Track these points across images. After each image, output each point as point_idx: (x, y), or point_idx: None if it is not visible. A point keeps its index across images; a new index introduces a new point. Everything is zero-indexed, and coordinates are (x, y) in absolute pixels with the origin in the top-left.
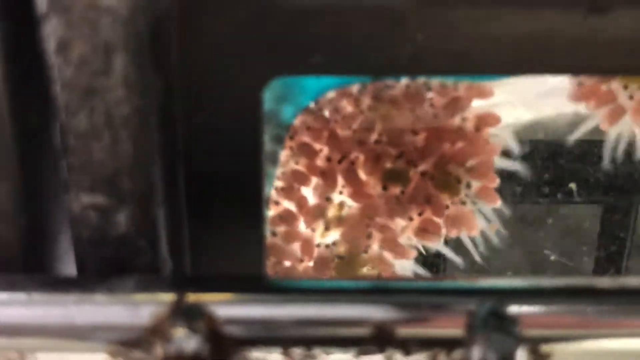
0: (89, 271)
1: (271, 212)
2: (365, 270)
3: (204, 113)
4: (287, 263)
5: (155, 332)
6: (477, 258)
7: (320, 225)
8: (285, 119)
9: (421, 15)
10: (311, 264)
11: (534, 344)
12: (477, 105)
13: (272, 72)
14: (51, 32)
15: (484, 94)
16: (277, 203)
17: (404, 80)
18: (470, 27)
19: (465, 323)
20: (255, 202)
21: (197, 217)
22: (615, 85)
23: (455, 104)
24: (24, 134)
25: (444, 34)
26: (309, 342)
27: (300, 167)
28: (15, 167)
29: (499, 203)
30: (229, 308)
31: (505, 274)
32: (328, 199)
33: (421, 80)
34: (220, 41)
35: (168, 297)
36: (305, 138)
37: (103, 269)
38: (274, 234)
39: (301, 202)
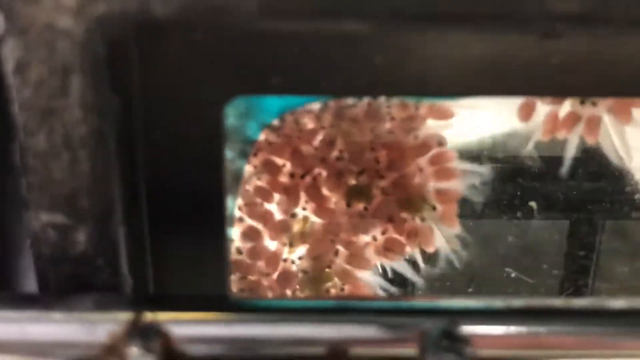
0: (49, 288)
1: (236, 229)
2: (329, 284)
3: (165, 132)
4: (253, 278)
5: (111, 351)
6: (436, 275)
7: (285, 241)
8: (249, 135)
9: (378, 38)
10: (275, 277)
11: None
12: (434, 124)
13: (232, 92)
14: (9, 53)
15: (444, 115)
16: (241, 220)
17: (365, 99)
18: (427, 50)
19: (418, 343)
20: (218, 219)
21: (159, 236)
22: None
23: (412, 122)
24: None
25: (401, 57)
26: None
27: (264, 184)
28: None
29: (458, 222)
30: (186, 327)
31: (466, 292)
32: (292, 215)
33: (382, 98)
34: (180, 62)
35: (126, 316)
36: (269, 154)
37: (63, 287)
38: (239, 251)
39: (266, 218)
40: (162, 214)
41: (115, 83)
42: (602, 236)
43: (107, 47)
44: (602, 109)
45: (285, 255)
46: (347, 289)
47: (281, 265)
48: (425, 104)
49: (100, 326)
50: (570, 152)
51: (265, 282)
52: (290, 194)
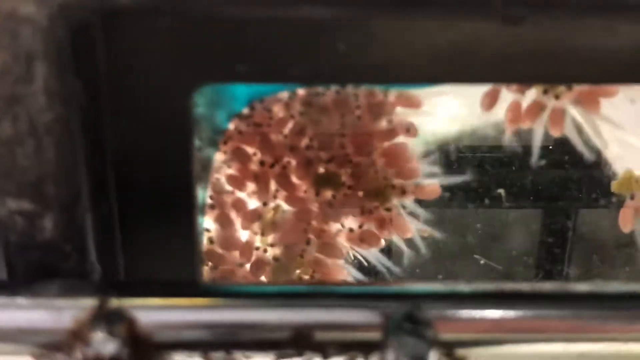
0: (18, 275)
1: (207, 217)
2: (300, 272)
3: (134, 120)
4: (226, 267)
5: (76, 336)
6: (406, 263)
7: (257, 230)
8: (219, 123)
9: (342, 26)
10: (248, 267)
11: (448, 348)
12: (402, 112)
13: (199, 80)
14: None
15: (412, 103)
16: (212, 208)
17: (334, 87)
18: (390, 37)
19: (382, 327)
20: (188, 207)
21: (130, 224)
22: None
23: (380, 109)
24: None
25: (365, 44)
26: (229, 346)
27: (235, 172)
28: None
29: (428, 209)
30: (154, 313)
31: (436, 279)
32: (264, 204)
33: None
34: (146, 48)
35: (91, 302)
36: (238, 143)
37: (31, 274)
38: (211, 241)
39: (237, 206)
40: (132, 203)
41: (80, 70)
42: (574, 224)
43: (70, 34)
44: (567, 101)
45: (257, 243)
46: (319, 277)
47: (254, 254)
48: (394, 91)
49: (65, 312)
50: (537, 141)
51: (238, 271)
52: (261, 182)
